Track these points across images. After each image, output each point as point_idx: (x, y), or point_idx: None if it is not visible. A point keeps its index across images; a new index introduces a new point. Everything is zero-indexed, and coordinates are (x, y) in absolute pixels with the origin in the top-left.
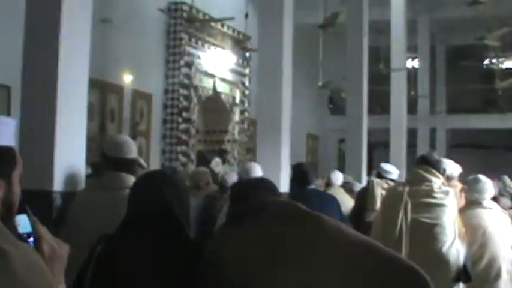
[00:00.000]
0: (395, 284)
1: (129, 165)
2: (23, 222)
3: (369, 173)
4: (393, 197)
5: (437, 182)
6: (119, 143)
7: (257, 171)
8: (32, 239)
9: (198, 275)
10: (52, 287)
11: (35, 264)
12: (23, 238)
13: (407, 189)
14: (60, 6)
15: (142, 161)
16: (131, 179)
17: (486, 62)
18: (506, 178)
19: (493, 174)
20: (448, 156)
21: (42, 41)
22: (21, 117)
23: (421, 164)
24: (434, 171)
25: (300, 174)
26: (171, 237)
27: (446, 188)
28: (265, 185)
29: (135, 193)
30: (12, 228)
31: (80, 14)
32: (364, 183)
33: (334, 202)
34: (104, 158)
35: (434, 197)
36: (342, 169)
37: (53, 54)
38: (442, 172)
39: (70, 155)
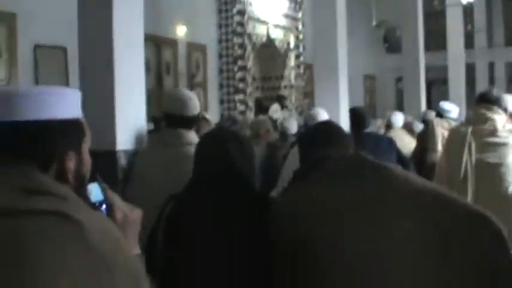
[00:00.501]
0: (467, 231)
1: (190, 122)
2: (94, 191)
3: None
4: (457, 138)
5: (500, 120)
6: (178, 100)
7: (323, 116)
8: (104, 206)
9: (270, 228)
10: (127, 253)
11: (109, 232)
12: (95, 207)
13: (470, 129)
14: None
15: (206, 115)
16: (192, 136)
17: None
18: None
19: None
20: (509, 91)
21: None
22: (80, 78)
23: (482, 102)
24: (496, 108)
25: (356, 118)
26: (235, 193)
27: (511, 126)
28: (334, 134)
29: (199, 152)
30: (85, 197)
31: None
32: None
33: (391, 144)
34: (165, 115)
35: (498, 136)
36: (400, 108)
37: (108, 11)
38: (504, 109)
39: (131, 113)
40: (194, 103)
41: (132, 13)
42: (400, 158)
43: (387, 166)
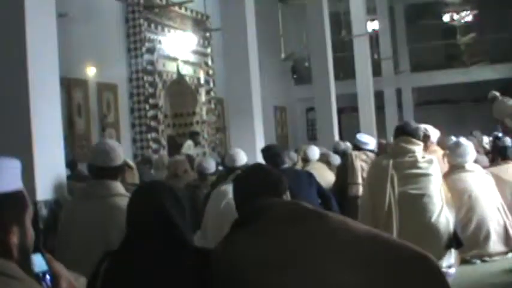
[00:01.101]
0: (408, 272)
1: (115, 173)
2: (38, 262)
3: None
4: (378, 171)
5: (419, 151)
6: (101, 151)
7: (242, 158)
8: (48, 277)
9: (211, 280)
10: None
11: None
12: (39, 277)
13: (391, 162)
14: (24, 6)
15: (129, 161)
16: (118, 186)
17: (446, 17)
18: (479, 134)
19: (462, 128)
20: (416, 115)
21: (8, 43)
22: None
23: (401, 135)
24: (414, 140)
25: (271, 157)
26: (172, 249)
27: (430, 156)
28: (271, 181)
29: (133, 208)
30: (29, 270)
31: (44, 12)
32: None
33: (310, 178)
34: (89, 167)
35: (419, 167)
36: (312, 138)
37: (22, 56)
38: (422, 139)
39: (50, 161)
40: (118, 153)
41: (47, 55)
42: (321, 192)
43: (327, 214)
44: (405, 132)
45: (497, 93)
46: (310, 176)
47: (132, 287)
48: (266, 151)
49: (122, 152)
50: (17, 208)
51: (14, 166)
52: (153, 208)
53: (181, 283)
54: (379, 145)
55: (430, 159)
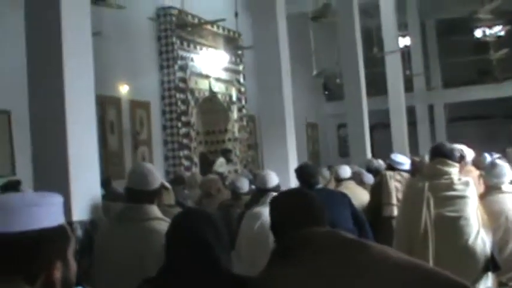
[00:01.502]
0: None
1: (152, 196)
2: None
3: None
4: (414, 193)
5: (455, 173)
6: (139, 175)
7: (274, 180)
8: None
9: None
10: None
11: None
12: None
13: (427, 184)
14: (60, 27)
15: (166, 183)
16: (154, 210)
17: (477, 33)
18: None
19: (495, 144)
20: (448, 131)
21: (45, 63)
22: (32, 144)
23: (437, 156)
24: (450, 162)
25: (305, 176)
26: (212, 279)
27: (466, 178)
28: (312, 210)
29: (172, 235)
30: None
31: (80, 30)
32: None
33: (344, 199)
34: (126, 190)
35: (455, 189)
36: (343, 154)
37: (58, 76)
38: (460, 159)
39: (85, 181)
40: (155, 177)
41: (83, 74)
42: (356, 216)
43: (369, 245)
44: (441, 153)
45: None
46: (345, 197)
47: None
48: (300, 171)
49: (159, 175)
50: (61, 243)
51: (56, 202)
52: (193, 237)
53: None
54: (412, 162)
55: (466, 181)
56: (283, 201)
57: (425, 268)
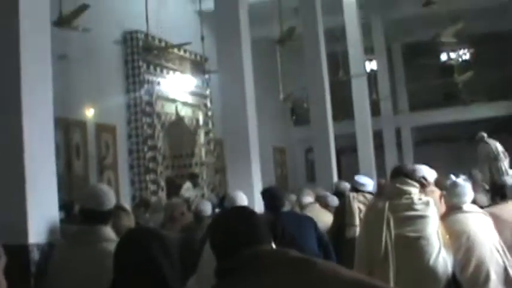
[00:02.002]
0: None
1: (106, 217)
2: None
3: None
4: (374, 213)
5: (416, 192)
6: (93, 196)
7: (242, 200)
8: None
9: None
10: None
11: None
12: None
13: (387, 204)
14: (19, 47)
15: (125, 205)
16: (108, 231)
17: (443, 56)
18: (477, 172)
19: (462, 166)
20: (415, 154)
21: (3, 85)
22: None
23: (397, 176)
24: (411, 181)
25: (271, 200)
26: None
27: (426, 198)
28: (257, 228)
29: (120, 255)
30: None
31: (40, 53)
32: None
33: (310, 223)
34: (80, 211)
35: (415, 209)
36: (312, 179)
37: (16, 96)
38: (419, 180)
39: (43, 203)
40: (109, 198)
41: (42, 95)
42: (320, 238)
43: (314, 260)
44: (401, 173)
45: (485, 135)
46: (310, 220)
47: None
48: (265, 193)
49: (113, 196)
50: None
51: None
52: (140, 257)
53: None
54: (378, 185)
55: (426, 201)
56: (225, 221)
57: (373, 285)
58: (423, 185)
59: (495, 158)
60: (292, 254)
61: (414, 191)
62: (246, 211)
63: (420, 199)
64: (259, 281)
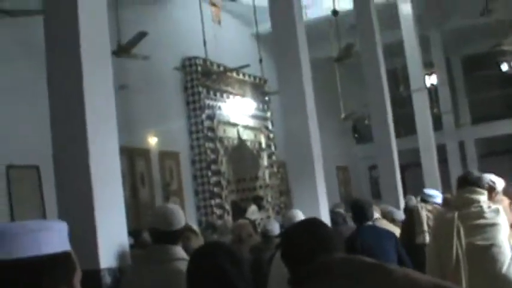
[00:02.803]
0: None
1: (176, 237)
2: None
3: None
4: (444, 224)
5: (484, 200)
6: (162, 215)
7: (300, 217)
8: None
9: None
10: None
11: None
12: None
13: (456, 213)
14: (82, 81)
15: (193, 226)
16: (179, 250)
17: (503, 66)
18: None
19: None
20: (481, 166)
21: (69, 117)
22: (57, 197)
23: (464, 185)
24: (478, 189)
25: (358, 212)
26: None
27: (496, 206)
28: (327, 238)
29: (193, 271)
30: None
31: (102, 84)
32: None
33: (391, 237)
34: (150, 231)
35: (485, 218)
36: (377, 196)
37: (81, 128)
38: (487, 188)
39: (111, 229)
40: (178, 217)
41: (106, 127)
42: (400, 253)
43: (387, 266)
44: (468, 182)
45: None
46: (392, 235)
47: None
48: (353, 205)
49: (183, 216)
50: (66, 269)
51: (58, 228)
52: (212, 270)
53: None
54: (445, 200)
55: (496, 209)
56: (297, 231)
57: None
58: (491, 190)
59: None
60: (367, 261)
61: (483, 199)
62: (317, 221)
63: (489, 207)
64: (333, 287)
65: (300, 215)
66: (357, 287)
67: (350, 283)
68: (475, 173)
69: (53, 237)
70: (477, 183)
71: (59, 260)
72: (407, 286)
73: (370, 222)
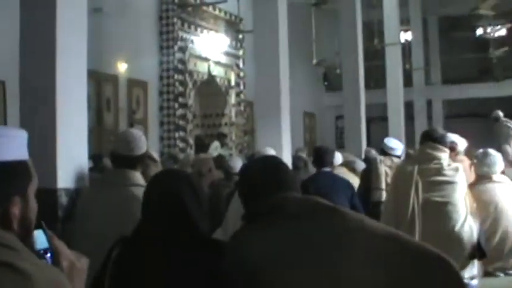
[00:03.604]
0: (426, 273)
1: (135, 162)
2: (39, 238)
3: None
4: (403, 177)
5: (445, 158)
6: (123, 140)
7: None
8: (49, 254)
9: (221, 278)
10: None
11: (57, 282)
12: (40, 254)
13: (416, 168)
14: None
15: (154, 154)
16: (137, 176)
17: (479, 31)
18: (507, 147)
19: (492, 143)
20: (446, 127)
21: (39, 34)
22: (20, 112)
23: (427, 141)
24: (441, 147)
25: (316, 155)
26: (185, 238)
27: (456, 164)
28: (283, 175)
29: (149, 194)
30: (30, 245)
31: (76, 4)
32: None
33: (347, 186)
34: (111, 155)
35: (444, 175)
36: (340, 145)
37: (51, 46)
38: (448, 146)
39: (72, 149)
40: (140, 143)
41: (76, 48)
42: (353, 202)
43: (342, 209)
44: (431, 138)
45: (501, 114)
46: (348, 183)
47: (143, 273)
48: (316, 150)
49: (145, 142)
50: (21, 178)
51: (19, 135)
52: (168, 195)
53: (190, 271)
54: (407, 155)
55: (456, 167)
56: (254, 168)
57: (404, 238)
58: (453, 150)
59: None
60: (321, 202)
61: (444, 156)
62: (275, 160)
63: (449, 165)
64: (285, 225)
65: (272, 153)
66: (309, 225)
67: (303, 222)
68: (439, 130)
69: (12, 145)
70: (440, 140)
71: (15, 169)
72: (359, 229)
73: (328, 169)
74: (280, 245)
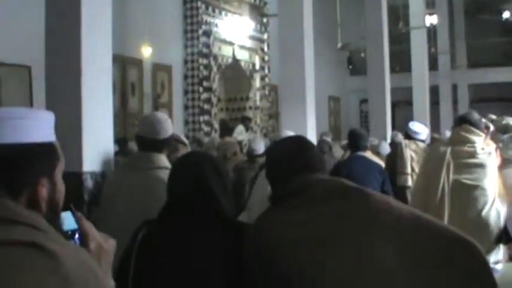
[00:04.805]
0: (452, 259)
1: (161, 146)
2: (67, 220)
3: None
4: (435, 157)
5: (479, 142)
6: (149, 124)
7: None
8: (77, 236)
9: (247, 261)
10: (103, 285)
11: (85, 263)
12: (68, 236)
13: (449, 149)
14: None
15: (182, 137)
16: (162, 159)
17: (505, 14)
18: None
19: None
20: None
21: (64, 19)
22: (46, 97)
23: (462, 124)
24: (476, 130)
25: (351, 139)
26: (210, 220)
27: (489, 148)
28: (310, 157)
29: (174, 176)
30: (58, 226)
31: None
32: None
33: (380, 171)
34: (137, 138)
35: (477, 158)
36: (365, 129)
37: (76, 31)
38: (484, 131)
39: (98, 133)
40: (165, 126)
41: (101, 32)
42: (383, 186)
43: (368, 191)
44: (468, 121)
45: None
46: (380, 168)
47: (168, 255)
48: (350, 133)
49: (170, 125)
50: (48, 160)
51: (46, 117)
52: (193, 177)
53: (216, 252)
54: (432, 139)
55: (489, 152)
56: (281, 149)
57: (430, 221)
58: (486, 134)
59: None
60: (347, 184)
61: (478, 140)
62: (302, 140)
63: (483, 148)
64: (312, 207)
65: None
66: (335, 207)
67: (329, 204)
68: (476, 114)
69: (40, 126)
70: (475, 123)
71: (43, 150)
72: (386, 211)
73: (362, 153)
74: (306, 226)
